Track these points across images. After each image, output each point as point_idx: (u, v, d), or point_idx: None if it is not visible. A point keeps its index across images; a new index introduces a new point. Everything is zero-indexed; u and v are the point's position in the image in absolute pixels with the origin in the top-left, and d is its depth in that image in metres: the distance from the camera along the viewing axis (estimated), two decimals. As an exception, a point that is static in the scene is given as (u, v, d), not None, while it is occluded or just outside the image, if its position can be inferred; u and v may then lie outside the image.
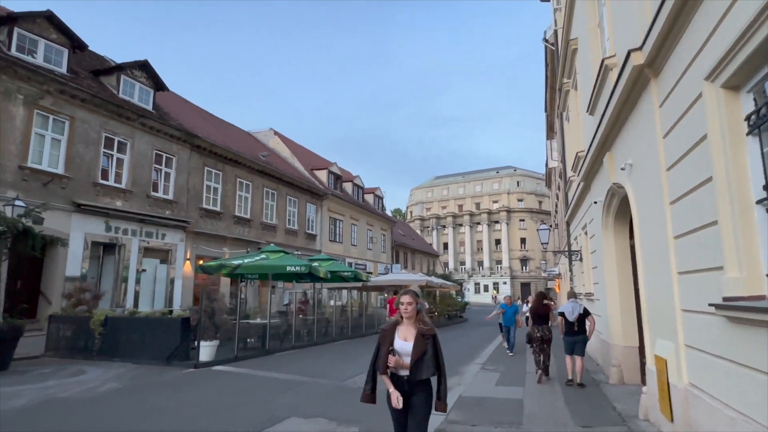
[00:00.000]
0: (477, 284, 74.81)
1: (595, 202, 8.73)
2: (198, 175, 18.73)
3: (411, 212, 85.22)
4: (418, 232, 74.73)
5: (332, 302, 20.46)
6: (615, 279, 8.33)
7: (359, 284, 20.59)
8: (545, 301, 9.23)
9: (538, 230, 13.51)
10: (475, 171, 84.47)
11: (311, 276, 15.04)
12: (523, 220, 74.44)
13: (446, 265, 76.43)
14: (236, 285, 20.93)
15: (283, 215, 24.14)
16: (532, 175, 77.82)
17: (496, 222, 75.54)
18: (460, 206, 79.42)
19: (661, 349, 5.21)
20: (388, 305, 18.34)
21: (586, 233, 11.79)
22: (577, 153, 11.16)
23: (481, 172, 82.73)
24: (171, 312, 10.35)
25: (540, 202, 74.96)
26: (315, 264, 16.23)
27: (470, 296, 68.01)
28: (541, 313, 9.03)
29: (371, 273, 32.18)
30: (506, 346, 13.02)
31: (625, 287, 8.21)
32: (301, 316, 15.07)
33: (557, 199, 26.32)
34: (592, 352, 11.19)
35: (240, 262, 12.83)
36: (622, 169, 6.31)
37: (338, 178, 30.84)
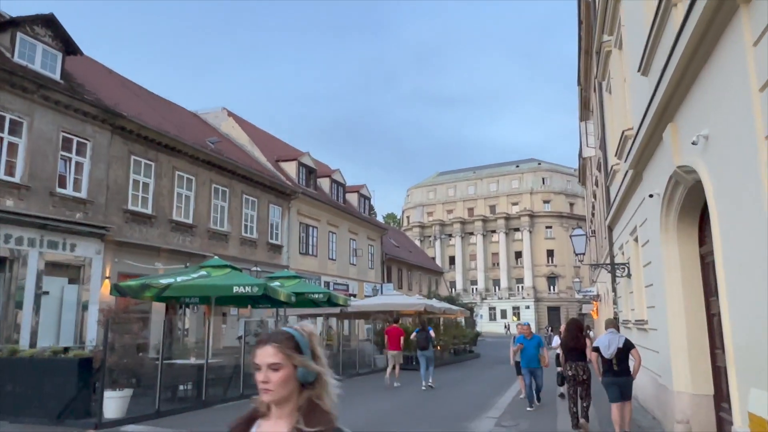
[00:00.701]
0: (492, 309, 74.29)
1: (651, 196, 8.00)
2: (122, 166, 17.86)
3: (408, 218, 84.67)
4: (417, 242, 74.15)
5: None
6: (680, 301, 7.60)
7: (336, 310, 19.82)
8: (582, 331, 8.98)
9: (571, 236, 12.83)
10: (490, 165, 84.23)
11: (270, 300, 14.26)
12: (550, 227, 74.09)
13: (453, 284, 75.81)
14: (173, 312, 20.10)
15: (237, 220, 23.29)
16: (561, 169, 77.63)
17: (516, 230, 75.21)
18: (471, 210, 79.02)
19: (759, 403, 4.45)
20: (386, 336, 17.16)
21: (636, 240, 11.09)
22: (623, 132, 10.48)
23: (496, 167, 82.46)
24: (67, 350, 9.47)
25: (571, 205, 74.73)
26: (276, 284, 15.45)
27: (483, 324, 67.36)
28: (575, 345, 8.62)
29: (355, 295, 31.37)
30: (523, 396, 11.57)
31: (695, 313, 7.47)
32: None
33: (594, 198, 25.79)
34: (646, 401, 10.44)
35: (171, 281, 11.99)
36: (693, 143, 5.57)
37: (312, 172, 30.07)
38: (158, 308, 18.72)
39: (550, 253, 73.77)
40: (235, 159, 23.67)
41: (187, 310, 20.47)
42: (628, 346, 7.70)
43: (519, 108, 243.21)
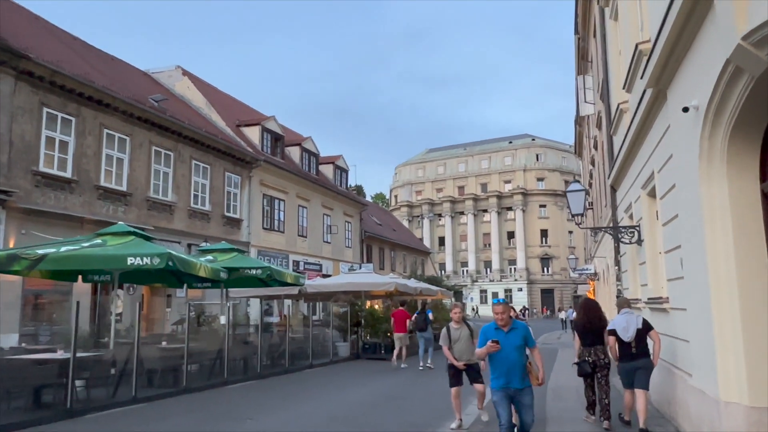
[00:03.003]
0: (483, 292, 72.10)
1: (685, 110, 5.45)
2: (31, 119, 15.12)
3: (396, 197, 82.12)
4: (405, 222, 71.78)
5: (245, 320, 17.16)
6: (729, 266, 5.11)
7: (294, 290, 17.30)
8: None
9: (566, 192, 10.30)
10: (481, 141, 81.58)
11: (203, 278, 11.75)
12: (544, 206, 71.74)
13: (442, 266, 73.56)
14: (105, 293, 17.69)
15: (185, 189, 20.63)
16: (555, 146, 75.13)
17: (509, 209, 72.77)
18: (461, 188, 76.46)
19: None
20: (392, 319, 16.77)
21: (650, 194, 8.61)
22: (637, 46, 7.89)
23: (488, 143, 79.84)
24: None
25: (567, 182, 72.14)
26: (207, 258, 12.88)
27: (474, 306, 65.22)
28: (593, 327, 7.69)
29: (329, 276, 28.88)
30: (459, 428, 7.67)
31: (754, 283, 4.98)
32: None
33: (592, 165, 23.40)
34: (664, 407, 8.00)
35: (50, 251, 9.40)
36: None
37: (278, 140, 27.34)
38: (81, 289, 16.22)
39: (544, 233, 71.54)
40: (182, 119, 20.91)
41: (120, 291, 17.99)
42: (647, 327, 7.05)
43: (513, 89, 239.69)
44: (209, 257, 12.95)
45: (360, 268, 33.30)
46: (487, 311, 63.90)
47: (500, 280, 71.44)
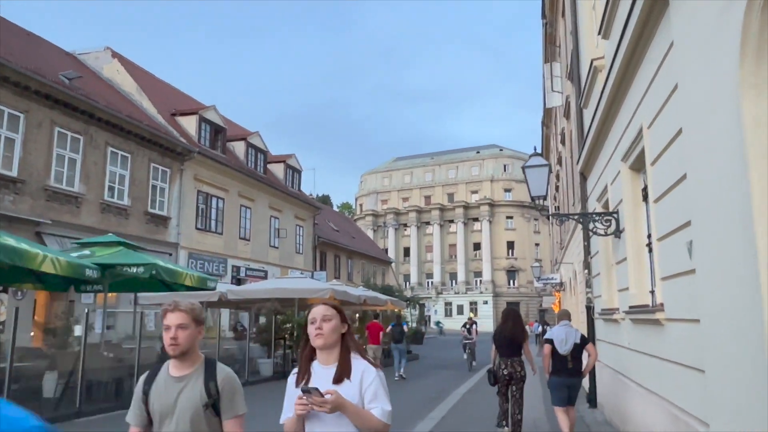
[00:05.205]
0: (448, 304, 69.97)
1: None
2: None
3: (361, 205, 79.74)
4: (370, 232, 69.48)
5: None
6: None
7: (213, 296, 14.68)
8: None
9: (524, 168, 7.99)
10: (449, 151, 79.93)
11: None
12: (511, 218, 70.20)
13: (407, 277, 71.27)
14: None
15: (98, 179, 17.89)
16: (523, 157, 73.55)
17: (476, 219, 71.06)
18: (428, 198, 74.56)
19: None
20: (367, 332, 16.90)
21: (636, 166, 6.37)
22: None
23: (456, 153, 78.20)
24: None
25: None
26: (83, 252, 10.21)
27: (438, 321, 62.93)
28: (514, 339, 7.54)
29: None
30: None
31: None
32: None
33: (559, 165, 21.46)
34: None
35: None
36: None
37: (219, 132, 24.71)
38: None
39: (511, 246, 69.92)
40: (98, 100, 18.18)
41: (4, 295, 15.17)
42: (584, 342, 7.06)
43: (483, 105, 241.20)
44: (86, 251, 10.32)
45: (312, 277, 30.75)
46: (453, 325, 61.59)
47: (465, 293, 69.47)
